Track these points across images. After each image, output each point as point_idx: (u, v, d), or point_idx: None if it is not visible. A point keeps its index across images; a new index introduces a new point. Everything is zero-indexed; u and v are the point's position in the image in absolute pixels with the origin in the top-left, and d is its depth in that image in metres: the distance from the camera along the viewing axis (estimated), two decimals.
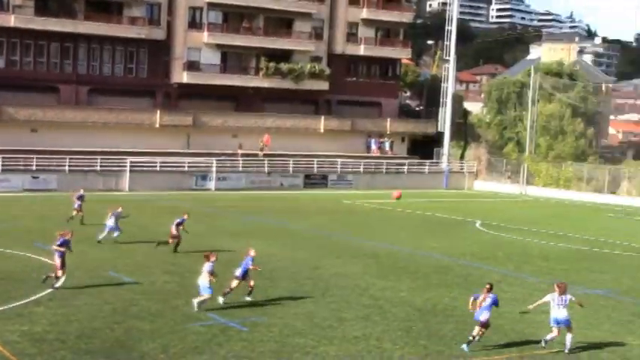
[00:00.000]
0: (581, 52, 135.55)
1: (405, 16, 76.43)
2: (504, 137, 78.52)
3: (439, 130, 73.48)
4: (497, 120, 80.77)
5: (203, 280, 21.55)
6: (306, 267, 28.73)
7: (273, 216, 44.51)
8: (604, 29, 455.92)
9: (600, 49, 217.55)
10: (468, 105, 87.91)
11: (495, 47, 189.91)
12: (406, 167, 69.86)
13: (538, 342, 19.57)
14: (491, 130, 79.37)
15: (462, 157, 75.64)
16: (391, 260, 31.08)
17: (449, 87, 73.17)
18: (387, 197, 55.34)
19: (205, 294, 21.50)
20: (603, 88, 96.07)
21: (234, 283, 22.56)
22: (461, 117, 78.49)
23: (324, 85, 70.96)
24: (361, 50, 73.48)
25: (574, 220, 50.06)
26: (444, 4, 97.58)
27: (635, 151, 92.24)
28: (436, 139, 73.92)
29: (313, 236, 37.30)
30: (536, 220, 48.21)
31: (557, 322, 19.04)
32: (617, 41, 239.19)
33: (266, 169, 62.60)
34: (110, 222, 32.08)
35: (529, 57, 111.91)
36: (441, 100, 73.18)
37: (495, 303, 19.16)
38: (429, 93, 79.66)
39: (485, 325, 19.03)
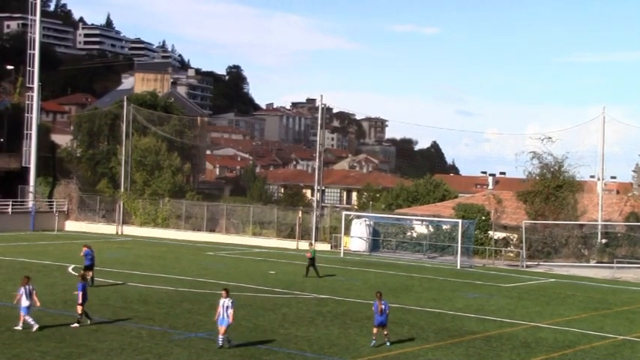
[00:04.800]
0: (175, 83, 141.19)
1: None
2: (97, 173, 78.55)
3: (24, 165, 71.62)
4: (89, 154, 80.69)
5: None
6: None
7: None
8: (197, 61, 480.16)
9: (194, 81, 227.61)
10: (55, 137, 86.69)
11: (85, 75, 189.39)
12: None
13: None
14: (82, 165, 79.01)
15: (50, 195, 74.12)
16: None
17: (34, 117, 71.52)
18: None
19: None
20: (199, 122, 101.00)
21: None
22: (48, 151, 77.01)
23: None
24: None
25: (173, 260, 51.19)
26: (25, 25, 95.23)
27: (232, 187, 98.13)
28: (21, 176, 71.72)
29: None
30: (134, 261, 48.57)
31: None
32: (211, 73, 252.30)
33: None
34: None
35: (121, 87, 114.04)
36: (25, 131, 71.36)
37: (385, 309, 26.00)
38: (11, 124, 77.09)
39: (384, 325, 26.05)
